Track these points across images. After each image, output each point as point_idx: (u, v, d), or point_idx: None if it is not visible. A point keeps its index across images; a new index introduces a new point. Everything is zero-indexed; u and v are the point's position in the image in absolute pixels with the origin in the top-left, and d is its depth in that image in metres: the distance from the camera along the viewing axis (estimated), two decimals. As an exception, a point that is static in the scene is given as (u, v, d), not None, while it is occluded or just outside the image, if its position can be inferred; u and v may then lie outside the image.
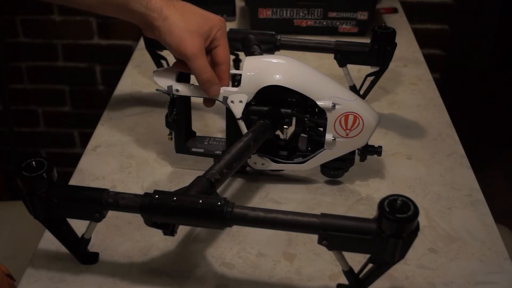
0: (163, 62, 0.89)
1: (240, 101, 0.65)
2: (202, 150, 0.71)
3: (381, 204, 0.47)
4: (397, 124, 0.84)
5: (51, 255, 0.61)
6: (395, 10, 1.24)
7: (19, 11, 1.51)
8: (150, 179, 0.72)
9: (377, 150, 0.69)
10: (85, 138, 1.52)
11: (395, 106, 0.89)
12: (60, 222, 0.57)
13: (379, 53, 0.79)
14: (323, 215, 0.49)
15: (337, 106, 0.64)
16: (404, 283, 0.58)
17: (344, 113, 0.64)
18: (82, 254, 0.59)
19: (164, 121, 0.71)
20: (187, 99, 0.68)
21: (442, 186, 0.71)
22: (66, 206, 0.54)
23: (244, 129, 0.66)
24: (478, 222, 0.66)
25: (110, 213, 0.66)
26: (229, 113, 0.67)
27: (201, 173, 0.73)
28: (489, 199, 0.69)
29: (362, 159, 0.69)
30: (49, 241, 0.62)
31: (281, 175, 0.72)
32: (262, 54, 0.77)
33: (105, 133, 0.82)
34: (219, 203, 0.50)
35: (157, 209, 0.51)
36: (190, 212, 0.51)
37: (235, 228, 0.64)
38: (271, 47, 0.82)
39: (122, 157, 0.76)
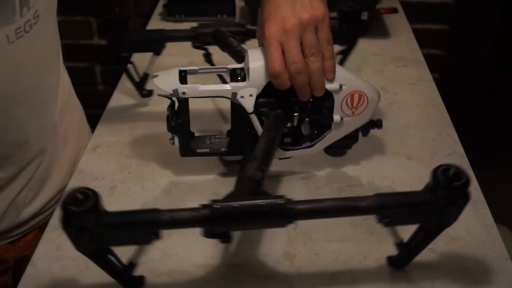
0: (130, 66, 0.85)
1: (250, 95, 0.63)
2: (207, 150, 0.69)
3: (434, 174, 0.49)
4: (397, 124, 0.84)
5: (51, 255, 0.61)
6: (395, 10, 1.24)
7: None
8: (150, 179, 0.72)
9: (378, 124, 0.71)
10: (85, 138, 1.52)
11: (395, 106, 0.89)
12: (106, 251, 0.52)
13: (347, 32, 0.81)
14: (378, 195, 0.50)
15: (343, 87, 0.64)
16: (404, 283, 0.58)
17: (350, 92, 0.65)
18: (127, 280, 0.55)
19: (166, 125, 0.68)
20: (188, 100, 0.67)
21: (442, 186, 0.71)
22: (119, 234, 0.49)
23: (256, 123, 0.65)
24: (478, 222, 0.66)
25: (110, 213, 0.66)
26: (236, 109, 0.65)
27: (201, 172, 0.73)
28: (489, 199, 0.69)
29: (365, 134, 0.71)
30: (49, 241, 0.62)
31: (280, 175, 0.72)
32: (239, 45, 0.76)
33: (105, 133, 0.82)
34: (281, 202, 0.49)
35: (221, 219, 0.49)
36: (255, 216, 0.49)
37: (235, 228, 0.64)
38: (242, 38, 0.81)
39: (122, 157, 0.76)
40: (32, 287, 0.57)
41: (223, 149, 0.69)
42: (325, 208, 0.50)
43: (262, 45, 0.64)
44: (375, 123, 0.71)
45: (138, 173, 0.73)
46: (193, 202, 0.68)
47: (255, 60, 0.63)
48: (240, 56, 0.72)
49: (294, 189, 0.70)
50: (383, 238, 0.63)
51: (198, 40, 0.81)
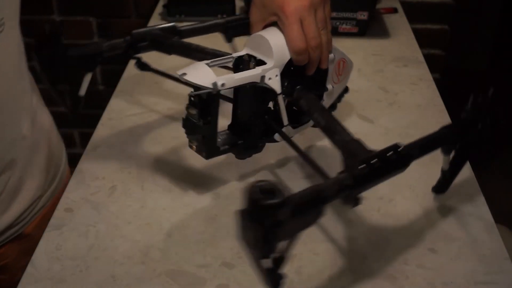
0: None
1: (276, 75, 0.63)
2: (227, 146, 0.66)
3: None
4: (397, 124, 0.84)
5: (51, 255, 0.61)
6: (395, 10, 1.24)
7: (19, 11, 1.51)
8: (150, 179, 0.72)
9: (346, 88, 0.75)
10: (85, 138, 1.52)
11: (395, 106, 0.89)
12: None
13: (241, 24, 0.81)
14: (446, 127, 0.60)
15: (335, 56, 0.67)
16: (404, 283, 0.58)
17: (338, 60, 0.68)
18: (275, 277, 0.47)
19: (185, 128, 0.62)
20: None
21: (442, 186, 0.71)
22: (297, 220, 0.44)
23: (283, 104, 0.64)
24: (478, 222, 0.66)
25: (110, 213, 0.66)
26: (256, 95, 0.63)
27: (200, 173, 0.73)
28: (489, 199, 0.69)
29: (339, 101, 0.75)
30: (49, 241, 0.62)
31: (280, 175, 0.72)
32: (183, 44, 0.75)
33: (105, 133, 0.82)
34: (401, 148, 0.53)
35: (367, 179, 0.50)
36: (388, 168, 0.53)
37: (235, 228, 0.64)
38: (176, 38, 0.79)
39: (122, 157, 0.76)
40: (32, 287, 0.57)
41: (240, 142, 0.66)
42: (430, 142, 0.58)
43: (259, 26, 0.65)
44: (345, 89, 0.75)
45: (138, 173, 0.73)
46: (193, 202, 0.68)
47: (275, 40, 0.62)
48: (199, 52, 0.70)
49: (294, 189, 0.70)
50: (383, 238, 0.63)
51: (135, 49, 0.76)
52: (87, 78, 0.72)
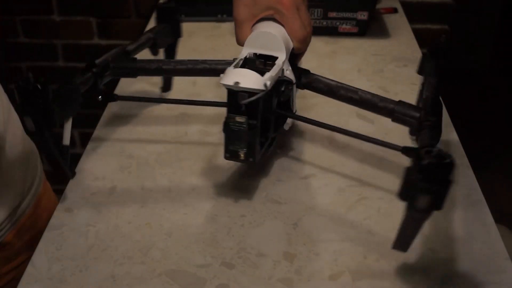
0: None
1: (289, 66, 0.64)
2: (261, 147, 0.65)
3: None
4: (398, 125, 0.84)
5: (51, 255, 0.61)
6: (395, 10, 1.24)
7: (19, 11, 1.51)
8: (150, 179, 0.72)
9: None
10: (85, 138, 1.52)
11: (395, 106, 0.89)
12: None
13: (172, 27, 0.84)
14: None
15: None
16: (404, 283, 0.58)
17: None
18: None
19: (232, 139, 0.60)
20: None
21: (442, 186, 0.71)
22: None
23: (294, 92, 0.66)
24: (478, 222, 0.66)
25: (110, 213, 0.66)
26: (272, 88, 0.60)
27: (201, 172, 0.73)
28: (489, 199, 0.69)
29: None
30: (49, 241, 0.62)
31: (280, 175, 0.72)
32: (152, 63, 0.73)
33: (105, 133, 0.82)
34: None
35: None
36: None
37: (235, 228, 0.64)
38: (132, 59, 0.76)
39: (122, 157, 0.76)
40: (32, 287, 0.57)
41: (262, 139, 0.64)
42: None
43: (249, 24, 0.64)
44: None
45: (138, 173, 0.73)
46: (193, 202, 0.68)
47: (280, 33, 0.63)
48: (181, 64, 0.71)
49: (294, 189, 0.70)
50: (383, 238, 0.63)
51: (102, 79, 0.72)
52: (68, 125, 0.64)
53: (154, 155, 0.77)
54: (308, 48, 0.69)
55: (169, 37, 0.84)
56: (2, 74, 1.56)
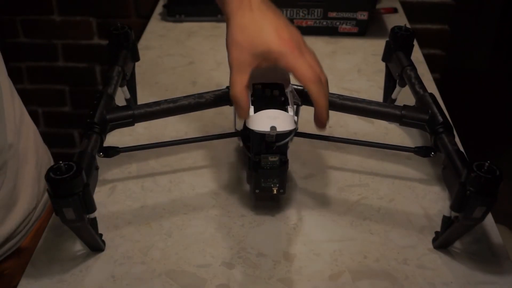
0: None
1: (292, 88, 0.63)
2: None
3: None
4: (397, 124, 0.84)
5: (51, 255, 0.61)
6: (395, 10, 1.24)
7: (19, 11, 1.51)
8: (150, 179, 0.72)
9: None
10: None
11: (395, 106, 0.89)
12: None
13: (131, 52, 0.78)
14: None
15: None
16: (404, 283, 0.58)
17: None
18: None
19: (265, 178, 0.61)
20: None
21: (442, 186, 0.71)
22: None
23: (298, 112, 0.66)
24: (478, 222, 0.65)
25: (110, 213, 0.66)
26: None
27: (200, 172, 0.73)
28: (489, 199, 0.69)
29: None
30: (49, 241, 0.62)
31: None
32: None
33: (105, 133, 0.81)
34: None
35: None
36: None
37: (236, 228, 0.64)
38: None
39: (122, 157, 0.76)
40: (32, 287, 0.57)
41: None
42: None
43: (247, 72, 0.59)
44: None
45: (138, 173, 0.73)
46: (193, 202, 0.68)
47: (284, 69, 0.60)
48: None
49: (294, 189, 0.70)
50: (383, 238, 0.63)
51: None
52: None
53: (154, 155, 0.77)
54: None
55: (130, 64, 0.79)
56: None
